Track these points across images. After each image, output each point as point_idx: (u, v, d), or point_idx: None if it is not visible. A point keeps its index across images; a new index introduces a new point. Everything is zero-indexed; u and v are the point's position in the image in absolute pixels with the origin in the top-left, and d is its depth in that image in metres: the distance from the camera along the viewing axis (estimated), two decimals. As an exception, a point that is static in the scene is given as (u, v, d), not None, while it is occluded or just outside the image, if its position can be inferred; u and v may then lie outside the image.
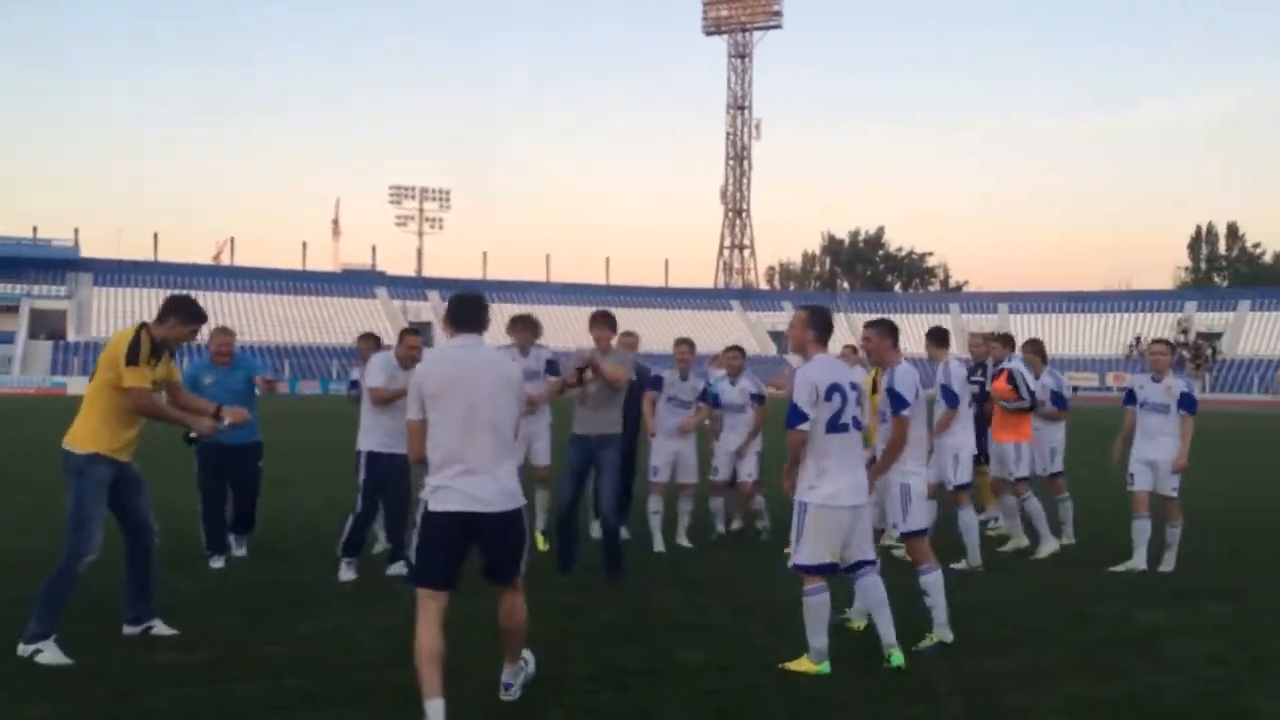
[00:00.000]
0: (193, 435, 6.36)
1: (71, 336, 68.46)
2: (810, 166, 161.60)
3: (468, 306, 5.03)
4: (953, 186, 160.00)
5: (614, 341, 8.24)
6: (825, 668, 5.68)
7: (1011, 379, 9.50)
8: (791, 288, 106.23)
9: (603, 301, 78.82)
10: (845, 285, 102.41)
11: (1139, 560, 8.84)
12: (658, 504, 9.64)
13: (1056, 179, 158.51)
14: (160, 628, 6.25)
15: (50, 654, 5.67)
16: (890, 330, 6.49)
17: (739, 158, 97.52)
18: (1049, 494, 10.01)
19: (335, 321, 75.54)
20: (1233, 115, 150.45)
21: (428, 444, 4.84)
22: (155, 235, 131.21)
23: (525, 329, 9.05)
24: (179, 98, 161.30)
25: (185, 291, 7.25)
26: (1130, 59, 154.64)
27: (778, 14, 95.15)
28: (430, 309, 76.95)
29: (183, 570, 8.03)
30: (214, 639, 6.16)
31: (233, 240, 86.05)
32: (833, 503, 5.69)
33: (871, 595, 5.86)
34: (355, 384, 9.24)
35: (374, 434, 8.10)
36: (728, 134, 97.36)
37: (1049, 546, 9.31)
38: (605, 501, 8.18)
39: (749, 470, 9.78)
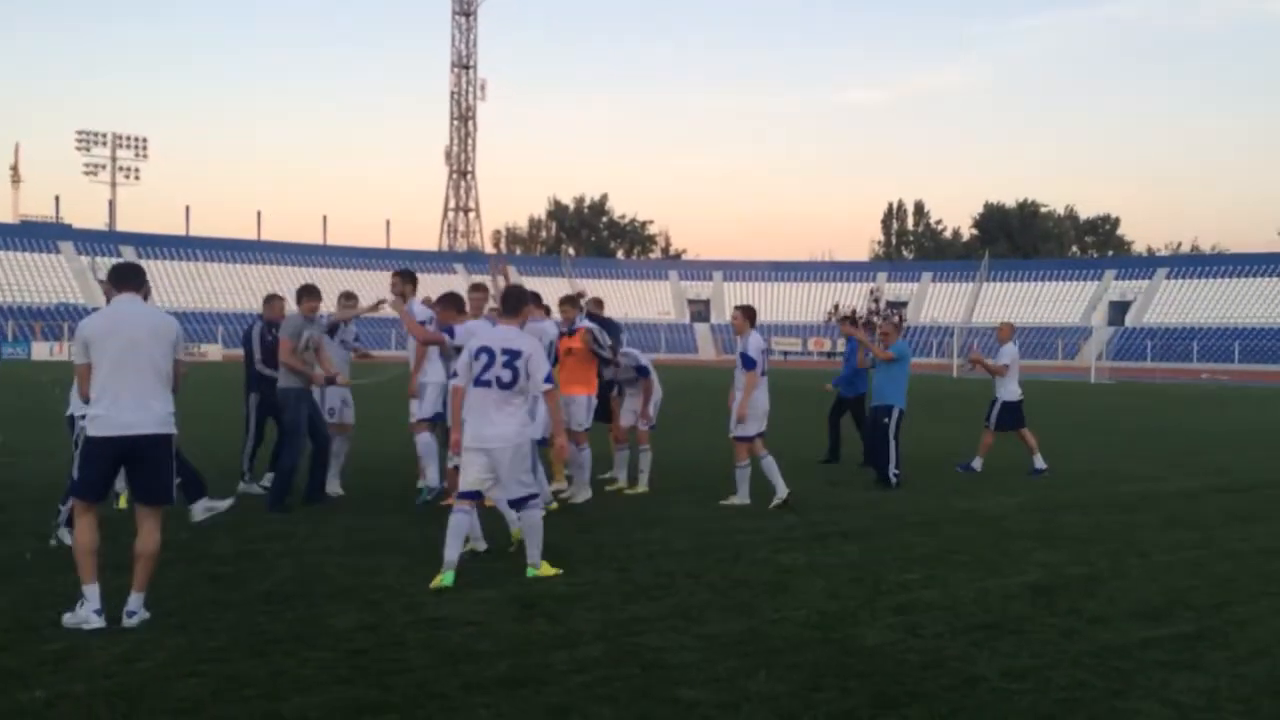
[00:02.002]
0: None
1: None
2: (536, 130, 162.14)
3: (126, 272, 6.10)
4: (671, 156, 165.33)
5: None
6: (448, 579, 6.72)
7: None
8: (517, 251, 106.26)
9: (319, 262, 75.88)
10: (570, 250, 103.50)
11: (780, 492, 10.00)
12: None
13: (767, 154, 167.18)
14: None
15: None
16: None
17: (464, 118, 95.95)
18: (638, 443, 10.91)
19: (13, 278, 68.47)
20: (922, 99, 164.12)
21: (91, 384, 5.76)
22: None
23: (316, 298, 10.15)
24: None
25: None
26: (834, 43, 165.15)
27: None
28: (125, 266, 71.03)
29: None
30: None
31: (-117, 184, 75.82)
32: (473, 444, 6.89)
33: (527, 522, 7.12)
34: None
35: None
36: (452, 93, 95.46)
37: (583, 494, 10.22)
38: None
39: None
